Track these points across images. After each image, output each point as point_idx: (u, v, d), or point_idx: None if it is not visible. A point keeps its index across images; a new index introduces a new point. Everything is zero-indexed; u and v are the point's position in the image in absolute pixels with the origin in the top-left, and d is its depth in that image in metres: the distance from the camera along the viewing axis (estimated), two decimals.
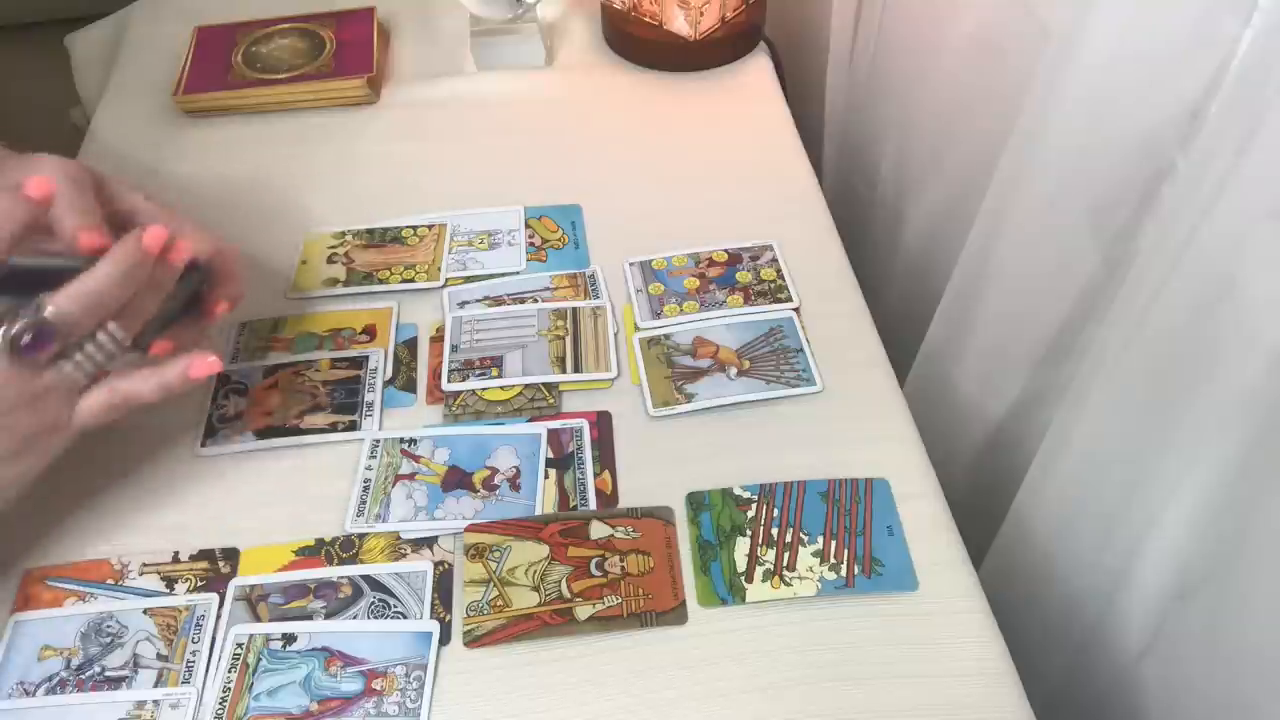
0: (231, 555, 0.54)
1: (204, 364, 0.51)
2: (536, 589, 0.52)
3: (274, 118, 0.82)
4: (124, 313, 0.49)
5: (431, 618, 0.51)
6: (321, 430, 0.59)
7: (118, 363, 0.50)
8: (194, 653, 0.50)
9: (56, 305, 0.46)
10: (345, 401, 0.61)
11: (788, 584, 0.52)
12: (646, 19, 0.82)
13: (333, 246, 0.70)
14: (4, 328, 0.45)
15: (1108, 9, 0.47)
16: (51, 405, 0.48)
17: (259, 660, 0.50)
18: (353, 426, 0.59)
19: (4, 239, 0.46)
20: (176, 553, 0.54)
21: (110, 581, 0.53)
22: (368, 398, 0.61)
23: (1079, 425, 0.56)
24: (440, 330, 0.65)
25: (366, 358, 0.63)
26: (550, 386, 0.61)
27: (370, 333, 0.65)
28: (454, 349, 0.63)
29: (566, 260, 0.69)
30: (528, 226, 0.72)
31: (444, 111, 0.82)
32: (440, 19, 0.90)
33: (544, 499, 0.56)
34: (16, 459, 0.48)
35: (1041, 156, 0.56)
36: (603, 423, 0.59)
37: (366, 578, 0.53)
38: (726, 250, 0.69)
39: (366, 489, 0.56)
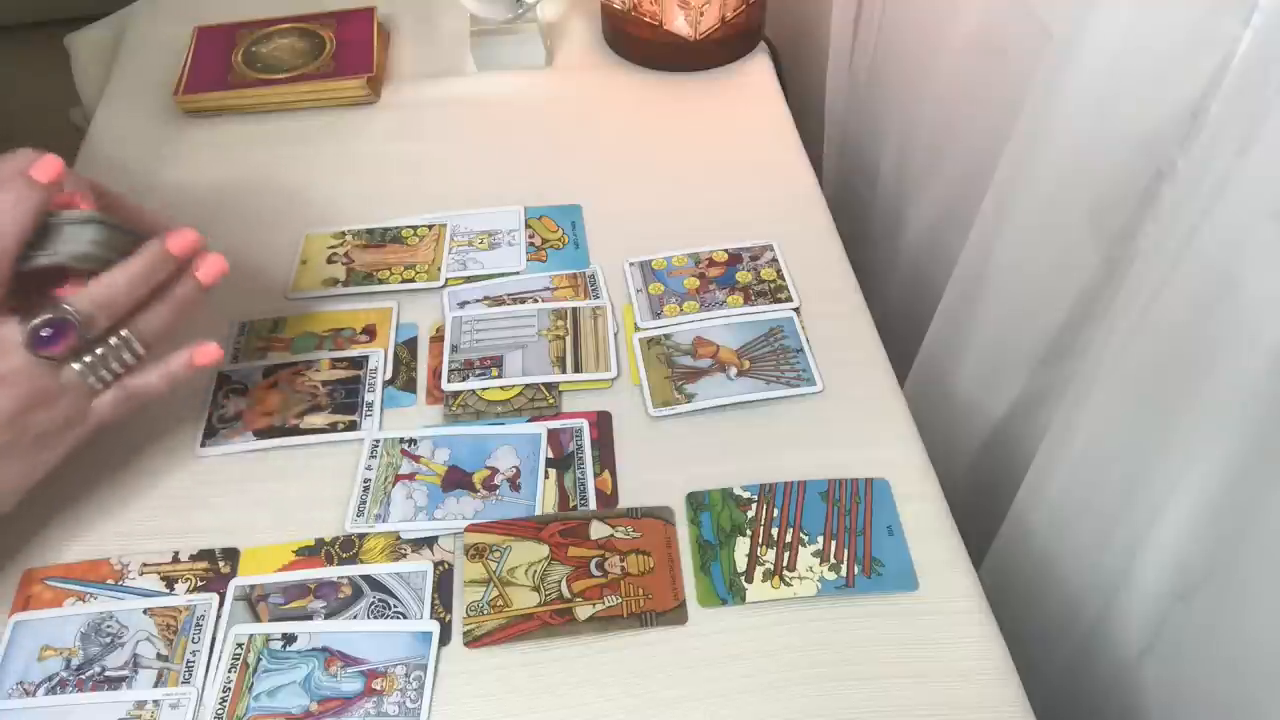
0: (231, 555, 0.54)
1: (206, 352, 0.52)
2: (536, 589, 0.52)
3: (274, 118, 0.82)
4: (143, 322, 0.50)
5: (431, 618, 0.51)
6: (321, 430, 0.59)
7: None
8: (194, 653, 0.50)
9: (74, 300, 0.47)
10: (345, 401, 0.61)
11: (788, 584, 0.52)
12: (646, 19, 0.82)
13: (333, 246, 0.70)
14: (24, 322, 0.46)
15: (1108, 9, 0.47)
16: (68, 404, 0.48)
17: (259, 660, 0.50)
18: (353, 426, 0.59)
19: (20, 225, 0.46)
20: (176, 553, 0.54)
21: (110, 581, 0.53)
22: (368, 398, 0.61)
23: (1079, 425, 0.56)
24: (440, 330, 0.65)
25: (366, 358, 0.63)
26: (550, 386, 0.61)
27: (370, 333, 0.65)
28: (454, 349, 0.63)
29: (566, 260, 0.69)
30: (528, 226, 0.72)
31: (444, 111, 0.82)
32: (440, 19, 0.90)
33: (544, 499, 0.56)
34: (27, 456, 0.48)
35: (1042, 156, 0.56)
36: (603, 423, 0.59)
37: (366, 578, 0.53)
38: (726, 250, 0.69)
39: (366, 489, 0.56)
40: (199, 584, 0.53)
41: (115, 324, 0.49)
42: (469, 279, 0.68)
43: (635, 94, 0.84)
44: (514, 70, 0.85)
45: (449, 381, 0.61)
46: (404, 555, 0.54)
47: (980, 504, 0.69)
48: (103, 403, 0.50)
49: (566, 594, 0.52)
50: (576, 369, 0.62)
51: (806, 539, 0.54)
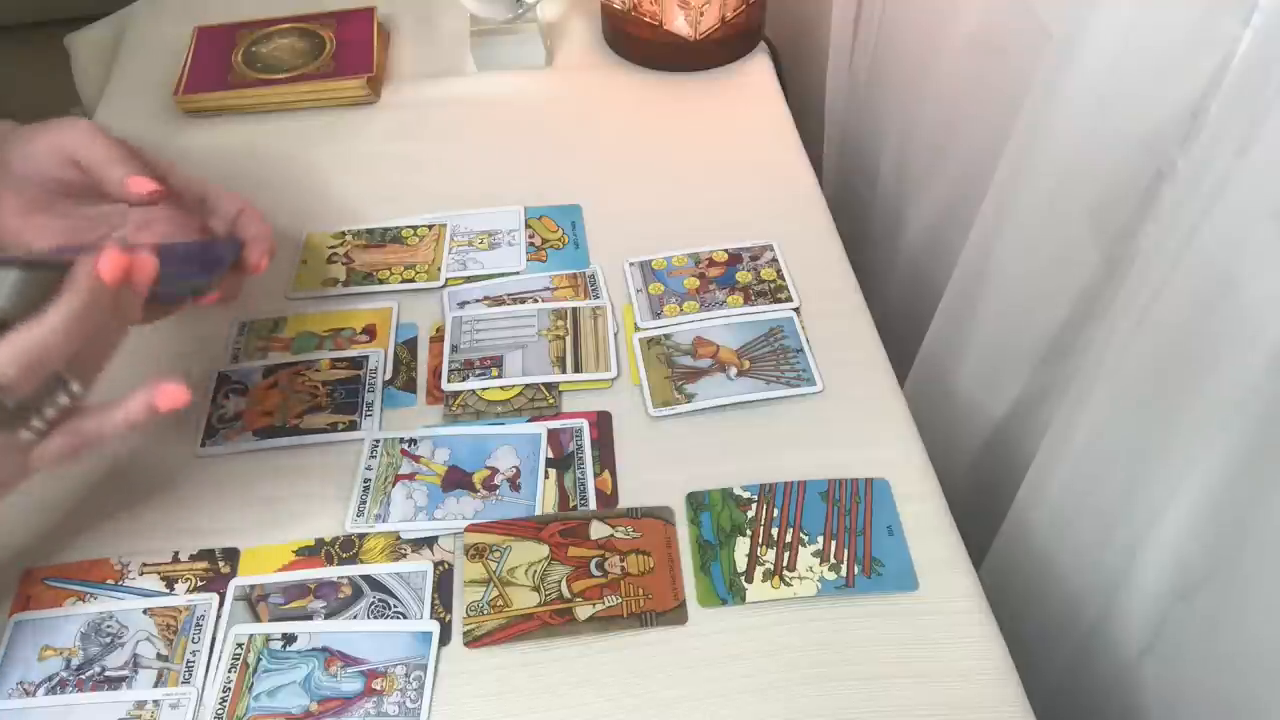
0: (231, 555, 0.54)
1: (169, 396, 0.46)
2: (536, 589, 0.52)
3: (274, 118, 0.82)
4: (82, 357, 0.44)
5: (431, 618, 0.51)
6: (321, 430, 0.59)
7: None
8: (194, 653, 0.50)
9: None
10: (345, 401, 0.61)
11: (788, 584, 0.52)
12: (646, 19, 0.82)
13: (333, 246, 0.70)
14: None
15: (1108, 9, 0.47)
16: None
17: (259, 660, 0.50)
18: (353, 426, 0.59)
19: None
20: (176, 553, 0.54)
21: (110, 581, 0.53)
22: (368, 398, 0.61)
23: (1079, 424, 0.56)
24: (440, 330, 0.65)
25: (366, 358, 0.63)
26: (550, 386, 0.61)
27: (370, 333, 0.65)
28: (454, 349, 0.63)
29: (566, 260, 0.69)
30: (528, 226, 0.72)
31: (444, 111, 0.82)
32: (440, 19, 0.90)
33: (544, 499, 0.56)
34: None
35: (1042, 156, 0.56)
36: (603, 423, 0.59)
37: (366, 578, 0.53)
38: (726, 250, 0.69)
39: (366, 489, 0.56)
40: (199, 584, 0.53)
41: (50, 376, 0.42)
42: (469, 279, 0.68)
43: (635, 94, 0.84)
44: (514, 70, 0.85)
45: (449, 381, 0.61)
46: (404, 555, 0.54)
47: (980, 504, 0.69)
48: (46, 453, 0.44)
49: (566, 594, 0.52)
50: (576, 369, 0.62)
51: (806, 539, 0.54)
